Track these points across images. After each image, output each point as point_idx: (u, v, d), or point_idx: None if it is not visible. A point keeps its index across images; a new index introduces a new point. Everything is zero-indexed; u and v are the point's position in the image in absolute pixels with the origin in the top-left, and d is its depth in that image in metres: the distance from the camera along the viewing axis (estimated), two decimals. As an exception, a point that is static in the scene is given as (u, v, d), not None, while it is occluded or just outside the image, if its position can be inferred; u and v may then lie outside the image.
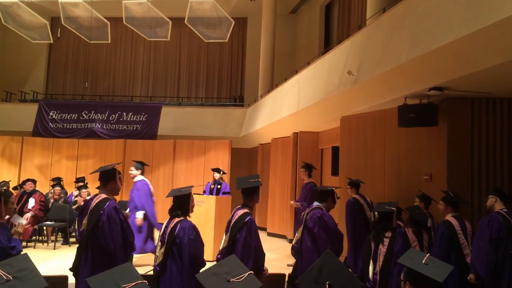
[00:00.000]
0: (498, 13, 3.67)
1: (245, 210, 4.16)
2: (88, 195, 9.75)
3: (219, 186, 9.23)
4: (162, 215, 12.79)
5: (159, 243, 4.02)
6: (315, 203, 5.21)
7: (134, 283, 2.07)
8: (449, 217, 5.01)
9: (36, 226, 9.20)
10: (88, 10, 9.44)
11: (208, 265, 2.83)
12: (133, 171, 7.44)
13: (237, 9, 14.60)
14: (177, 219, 4.00)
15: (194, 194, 4.24)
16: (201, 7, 8.88)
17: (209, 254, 7.78)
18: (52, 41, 11.13)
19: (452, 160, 6.21)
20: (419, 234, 5.10)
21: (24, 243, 8.70)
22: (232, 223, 4.18)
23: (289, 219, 10.55)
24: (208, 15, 9.19)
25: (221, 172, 9.50)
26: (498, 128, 6.25)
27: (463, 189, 6.04)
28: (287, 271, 5.37)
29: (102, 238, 3.83)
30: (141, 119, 14.01)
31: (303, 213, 5.32)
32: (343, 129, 8.32)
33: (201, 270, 3.08)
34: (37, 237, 9.49)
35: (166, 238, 3.94)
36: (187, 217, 4.10)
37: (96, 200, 3.99)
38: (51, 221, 9.30)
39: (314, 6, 13.81)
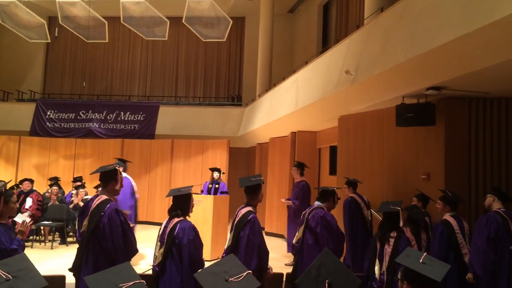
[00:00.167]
0: (495, 13, 3.67)
1: (249, 209, 4.20)
2: (85, 195, 9.74)
3: (217, 186, 9.23)
4: (160, 215, 12.87)
5: (158, 243, 3.99)
6: (316, 203, 5.21)
7: (132, 283, 2.07)
8: (447, 217, 5.02)
9: (33, 226, 9.18)
10: (86, 9, 9.42)
11: (206, 265, 2.82)
12: None
13: (235, 9, 14.60)
14: (176, 219, 3.98)
15: (192, 193, 4.23)
16: (199, 7, 8.87)
17: (207, 253, 7.78)
18: (49, 41, 11.10)
19: (450, 159, 6.22)
20: (418, 234, 5.11)
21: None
22: (235, 221, 4.21)
23: (287, 218, 10.55)
24: (206, 15, 9.18)
25: (221, 172, 9.51)
26: (496, 127, 6.26)
27: (461, 188, 6.05)
28: (285, 270, 5.37)
29: (103, 240, 3.80)
30: (138, 118, 14.00)
31: (303, 212, 5.31)
32: (341, 128, 8.32)
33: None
34: (34, 236, 9.46)
35: (166, 238, 3.91)
36: (186, 217, 4.09)
37: (97, 201, 3.95)
38: (48, 221, 9.28)
39: (312, 5, 13.81)
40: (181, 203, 4.08)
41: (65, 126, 14.04)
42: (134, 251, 4.00)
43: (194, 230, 3.94)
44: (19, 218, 4.11)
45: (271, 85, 12.28)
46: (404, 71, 5.39)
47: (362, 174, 7.50)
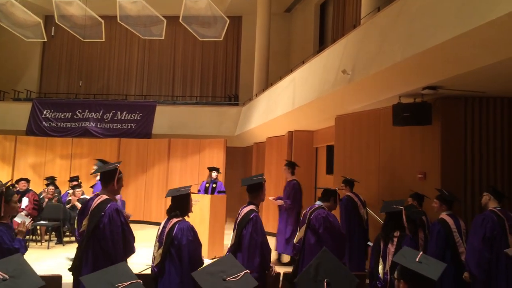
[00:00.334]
0: (491, 12, 3.69)
1: (251, 207, 4.24)
2: (82, 194, 9.71)
3: (214, 185, 9.23)
4: (157, 214, 12.84)
5: (157, 244, 3.96)
6: (318, 203, 5.21)
7: (128, 283, 2.06)
8: (444, 216, 5.03)
9: (30, 226, 9.14)
10: (82, 9, 9.39)
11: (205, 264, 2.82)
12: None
13: (232, 8, 14.58)
14: (175, 220, 3.94)
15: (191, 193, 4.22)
16: (195, 6, 8.85)
17: (204, 253, 7.75)
18: (46, 40, 11.05)
19: (446, 158, 6.24)
20: (416, 233, 5.12)
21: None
22: (238, 220, 4.24)
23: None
24: (203, 14, 9.17)
25: (218, 171, 9.51)
26: (492, 127, 6.28)
27: (457, 187, 6.07)
28: (282, 270, 5.37)
29: (103, 240, 3.77)
30: (135, 118, 13.97)
31: (305, 212, 5.32)
32: (337, 128, 8.33)
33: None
34: (31, 236, 9.43)
35: (164, 239, 3.89)
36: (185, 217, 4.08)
37: (97, 201, 3.91)
38: (45, 221, 9.26)
39: (309, 5, 13.81)
40: (180, 203, 4.05)
41: (61, 126, 13.99)
42: (132, 251, 3.99)
43: (192, 230, 3.92)
44: (19, 218, 4.11)
45: (268, 84, 12.28)
46: (400, 70, 5.40)
47: (359, 173, 7.51)
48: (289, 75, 9.70)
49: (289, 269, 5.47)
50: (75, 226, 4.17)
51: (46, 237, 9.32)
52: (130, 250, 3.95)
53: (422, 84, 5.65)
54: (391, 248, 4.34)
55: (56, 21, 9.64)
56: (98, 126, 13.93)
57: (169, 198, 4.13)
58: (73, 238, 9.39)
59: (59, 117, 14.07)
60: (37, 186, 11.58)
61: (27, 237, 9.25)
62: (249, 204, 4.31)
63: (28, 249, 8.68)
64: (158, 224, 4.13)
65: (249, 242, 4.06)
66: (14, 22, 9.66)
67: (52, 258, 7.98)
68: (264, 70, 13.10)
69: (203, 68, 16.51)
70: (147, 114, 13.96)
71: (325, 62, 7.64)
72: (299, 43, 14.56)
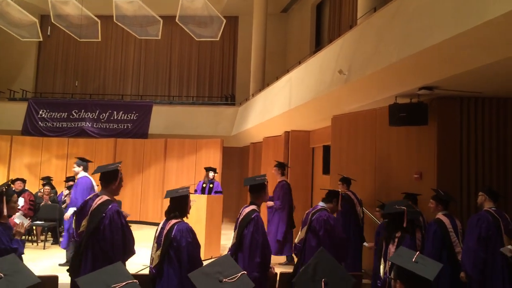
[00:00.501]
0: (488, 13, 3.70)
1: (252, 207, 4.24)
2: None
3: (211, 185, 9.21)
4: (153, 214, 12.81)
5: (155, 245, 3.94)
6: (320, 204, 5.21)
7: (124, 283, 2.06)
8: (440, 216, 5.05)
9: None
10: (78, 8, 9.35)
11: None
12: (75, 168, 7.29)
13: (229, 8, 14.57)
14: (173, 221, 3.91)
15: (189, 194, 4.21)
16: (192, 6, 8.84)
17: (201, 253, 7.76)
18: (41, 39, 11.01)
19: (442, 158, 6.25)
20: (413, 233, 5.12)
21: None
22: (239, 220, 4.25)
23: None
24: (199, 14, 9.16)
25: (216, 172, 9.51)
26: (487, 127, 6.30)
27: (453, 187, 6.09)
28: (279, 270, 5.37)
29: (103, 241, 3.74)
30: (132, 118, 13.94)
31: (307, 212, 5.32)
32: (334, 128, 8.34)
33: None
34: (27, 236, 9.40)
35: (163, 240, 3.86)
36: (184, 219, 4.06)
37: (97, 202, 3.88)
38: (41, 221, 9.22)
39: (305, 5, 13.83)
40: (179, 204, 4.03)
41: (57, 126, 13.95)
42: (132, 252, 3.97)
43: (192, 232, 3.90)
44: (19, 219, 4.09)
45: (265, 84, 12.28)
46: (397, 71, 5.41)
47: (355, 173, 7.52)
48: (286, 75, 9.70)
49: (286, 270, 5.48)
50: (73, 226, 4.14)
51: (42, 238, 9.28)
52: (130, 252, 3.93)
53: (418, 84, 5.66)
54: (392, 248, 4.35)
55: (52, 20, 9.60)
56: (94, 126, 13.89)
57: (167, 198, 4.12)
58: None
59: (55, 117, 14.02)
60: (33, 186, 11.53)
61: (23, 237, 9.19)
62: (250, 204, 4.32)
63: (24, 249, 8.64)
64: (155, 224, 4.12)
65: (250, 242, 4.07)
66: (10, 21, 9.61)
67: (48, 259, 7.95)
68: (261, 70, 13.09)
69: (199, 68, 16.49)
70: (143, 114, 13.93)
71: (322, 63, 7.64)
72: (295, 43, 14.56)
